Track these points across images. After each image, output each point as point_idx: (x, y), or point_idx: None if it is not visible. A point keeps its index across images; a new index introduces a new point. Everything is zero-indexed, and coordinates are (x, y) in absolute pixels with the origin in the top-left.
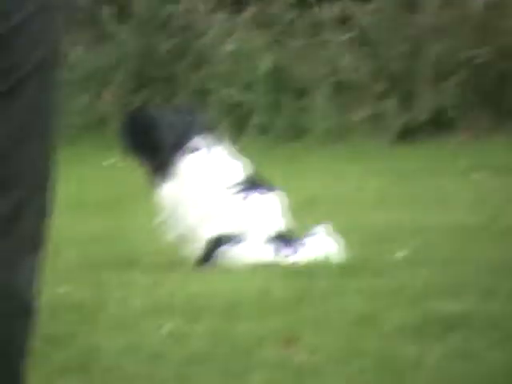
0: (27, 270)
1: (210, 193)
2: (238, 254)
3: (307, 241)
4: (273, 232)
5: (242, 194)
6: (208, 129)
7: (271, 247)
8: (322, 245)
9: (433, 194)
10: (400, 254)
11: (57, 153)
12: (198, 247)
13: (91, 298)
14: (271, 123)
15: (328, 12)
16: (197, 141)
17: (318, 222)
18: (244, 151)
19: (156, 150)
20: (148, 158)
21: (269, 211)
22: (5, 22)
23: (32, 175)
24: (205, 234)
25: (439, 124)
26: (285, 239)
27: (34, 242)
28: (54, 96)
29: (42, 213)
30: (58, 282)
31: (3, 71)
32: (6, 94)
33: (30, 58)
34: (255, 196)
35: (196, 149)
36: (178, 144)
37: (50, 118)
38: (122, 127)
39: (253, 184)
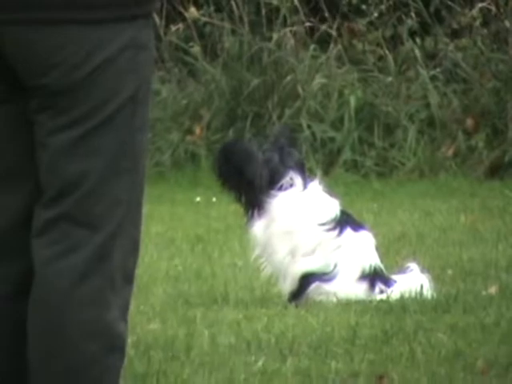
0: (117, 306)
1: (304, 229)
2: (330, 291)
3: (399, 277)
4: (365, 268)
5: (335, 231)
6: (301, 164)
7: (363, 284)
8: (414, 281)
9: None
10: (492, 290)
11: (145, 188)
12: (290, 283)
13: (181, 335)
14: (360, 159)
15: (418, 47)
16: (291, 177)
17: (408, 259)
18: (333, 187)
19: (250, 184)
20: (242, 193)
21: (361, 248)
22: (90, 61)
23: (121, 211)
24: (297, 270)
25: None
26: (377, 276)
27: (124, 279)
28: (142, 132)
29: (131, 249)
30: (147, 320)
31: (91, 108)
32: (95, 131)
33: (118, 96)
34: (348, 232)
35: (290, 185)
36: (273, 180)
37: (138, 153)
38: (217, 161)
39: (345, 221)
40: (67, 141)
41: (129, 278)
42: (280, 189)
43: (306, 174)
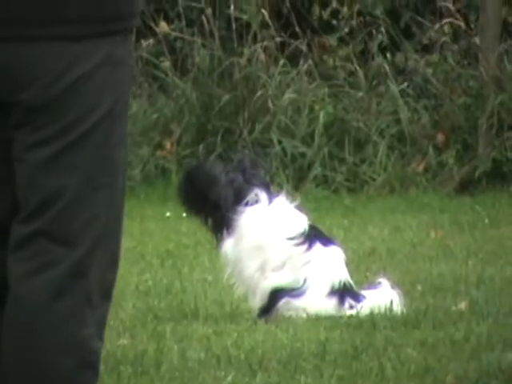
0: (94, 323)
1: (272, 243)
2: (299, 306)
3: (369, 293)
4: (335, 284)
5: (304, 246)
6: (265, 183)
7: (333, 299)
8: (384, 297)
9: (493, 245)
10: (461, 306)
11: (124, 203)
12: (259, 299)
13: (151, 350)
14: (331, 174)
15: (388, 63)
16: (255, 193)
17: (378, 274)
18: (303, 202)
19: (216, 206)
20: (209, 216)
21: (331, 263)
22: (66, 77)
23: (99, 227)
24: (267, 285)
25: (499, 175)
26: (346, 291)
27: (102, 295)
28: (120, 147)
29: (110, 265)
30: (117, 335)
31: (69, 124)
32: (73, 146)
33: (95, 111)
34: (317, 247)
35: (256, 201)
36: (238, 198)
37: (116, 168)
38: (181, 188)
39: (314, 235)
40: (44, 156)
41: (107, 294)
42: (246, 205)
43: (272, 191)
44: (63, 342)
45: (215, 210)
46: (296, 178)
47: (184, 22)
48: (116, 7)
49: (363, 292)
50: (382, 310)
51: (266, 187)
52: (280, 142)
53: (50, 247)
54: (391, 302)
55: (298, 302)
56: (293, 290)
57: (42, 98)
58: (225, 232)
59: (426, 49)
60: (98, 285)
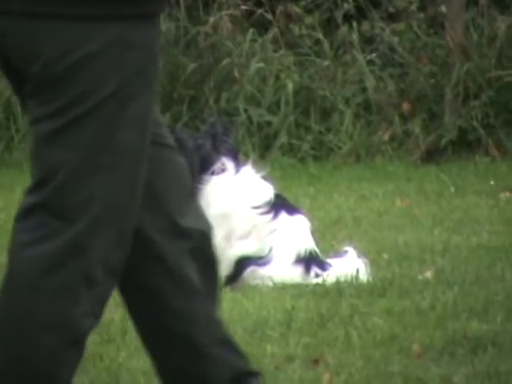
0: (89, 300)
1: (238, 212)
2: (265, 274)
3: (335, 261)
4: (300, 252)
5: (270, 214)
6: (234, 151)
7: (299, 267)
8: (350, 265)
9: (459, 214)
10: (427, 274)
11: (135, 187)
12: (225, 267)
13: (117, 318)
14: (297, 143)
15: (354, 32)
16: (222, 162)
17: (344, 243)
18: (270, 171)
19: None
20: None
21: (296, 231)
22: (69, 56)
23: (98, 207)
24: (233, 254)
25: (465, 144)
26: (312, 259)
27: (106, 272)
28: (128, 130)
29: (115, 243)
30: None
31: (71, 101)
32: (74, 124)
33: (97, 92)
34: (283, 216)
35: (222, 170)
36: (204, 166)
37: (120, 150)
38: None
39: (280, 204)
40: (48, 130)
41: (112, 272)
42: (212, 174)
43: (239, 160)
44: (51, 318)
45: None
46: (262, 147)
47: None
48: None
49: (329, 260)
50: (348, 278)
51: (234, 156)
52: (246, 111)
53: (49, 221)
54: (357, 270)
55: (263, 271)
56: (259, 258)
57: (47, 73)
58: None
59: (392, 17)
60: (100, 262)
